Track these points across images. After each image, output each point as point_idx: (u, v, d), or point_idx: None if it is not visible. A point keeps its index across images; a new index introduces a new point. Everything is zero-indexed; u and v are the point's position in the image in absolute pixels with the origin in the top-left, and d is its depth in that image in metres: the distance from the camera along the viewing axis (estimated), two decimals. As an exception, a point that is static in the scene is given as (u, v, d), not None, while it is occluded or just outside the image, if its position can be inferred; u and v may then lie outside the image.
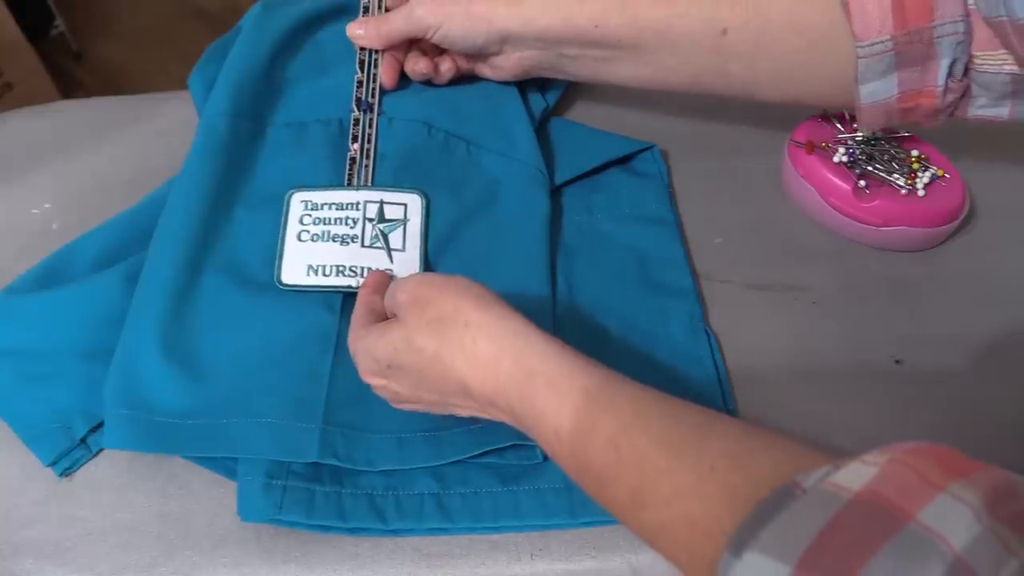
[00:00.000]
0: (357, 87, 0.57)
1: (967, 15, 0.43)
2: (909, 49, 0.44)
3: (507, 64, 0.56)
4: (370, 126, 0.56)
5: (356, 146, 0.55)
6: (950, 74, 0.45)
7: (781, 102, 0.53)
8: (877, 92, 0.46)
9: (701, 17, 0.49)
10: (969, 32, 0.43)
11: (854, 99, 0.48)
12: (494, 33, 0.53)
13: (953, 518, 0.24)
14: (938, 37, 0.43)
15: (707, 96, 0.54)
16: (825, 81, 0.49)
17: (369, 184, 0.54)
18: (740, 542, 0.27)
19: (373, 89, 0.57)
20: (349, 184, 0.53)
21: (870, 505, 0.26)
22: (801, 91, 0.51)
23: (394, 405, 0.43)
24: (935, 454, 0.27)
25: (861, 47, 0.45)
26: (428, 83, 0.59)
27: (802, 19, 0.47)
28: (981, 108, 0.47)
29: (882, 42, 0.44)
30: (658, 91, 0.55)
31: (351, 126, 0.56)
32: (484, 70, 0.59)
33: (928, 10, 0.43)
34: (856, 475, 0.27)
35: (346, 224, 0.51)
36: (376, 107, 0.57)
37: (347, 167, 0.54)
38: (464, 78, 0.60)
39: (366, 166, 0.55)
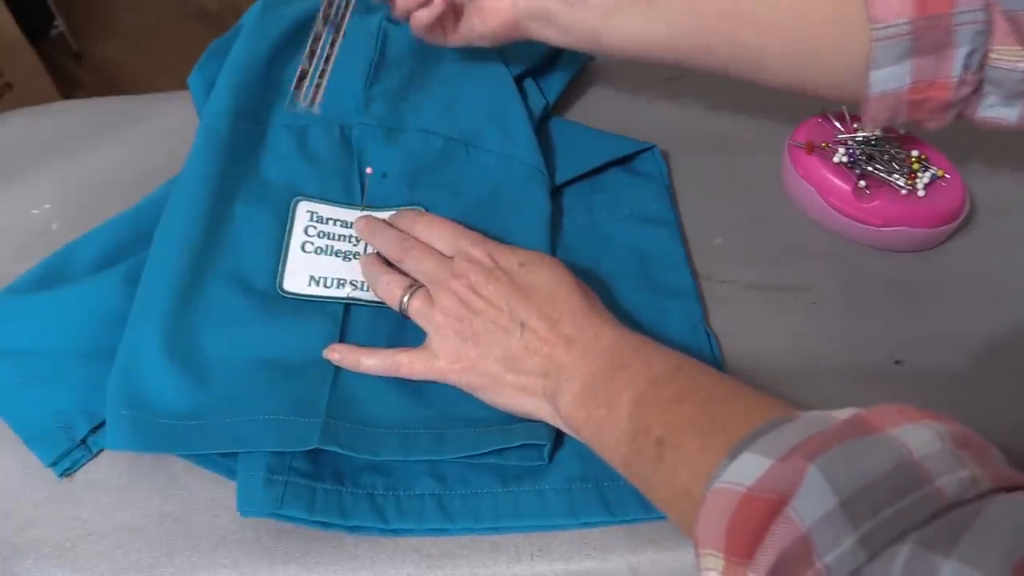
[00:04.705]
0: (327, 3, 0.52)
1: (988, 6, 0.42)
2: (927, 34, 0.43)
3: (500, 5, 0.52)
4: (332, 46, 0.52)
5: (310, 63, 0.52)
6: (966, 66, 0.44)
7: (788, 86, 0.50)
8: (889, 79, 0.45)
9: None
10: (989, 23, 0.43)
11: (863, 89, 0.46)
12: None
13: (919, 435, 0.28)
14: (957, 25, 0.42)
15: (713, 74, 0.52)
16: (836, 65, 0.47)
17: (364, 201, 0.54)
18: (738, 448, 0.32)
19: (344, 12, 0.53)
20: (296, 103, 0.51)
21: (852, 423, 0.30)
22: (810, 74, 0.49)
23: (448, 301, 0.45)
24: (914, 408, 0.31)
25: (877, 29, 0.43)
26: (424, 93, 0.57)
27: None
28: (990, 108, 0.46)
29: (899, 25, 0.43)
30: (661, 62, 0.51)
31: (309, 41, 0.52)
32: (472, 18, 0.54)
33: None
34: (846, 412, 0.31)
35: (349, 241, 0.52)
36: (343, 28, 0.53)
37: (295, 80, 0.51)
38: (462, 78, 0.60)
39: (363, 177, 0.54)
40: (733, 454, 0.32)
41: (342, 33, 0.53)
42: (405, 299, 0.47)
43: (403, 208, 0.53)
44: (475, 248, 0.46)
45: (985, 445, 0.29)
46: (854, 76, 0.46)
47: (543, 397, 0.43)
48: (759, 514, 0.29)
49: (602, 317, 0.43)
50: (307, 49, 0.52)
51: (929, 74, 0.45)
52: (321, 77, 0.52)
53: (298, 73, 0.51)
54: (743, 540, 0.29)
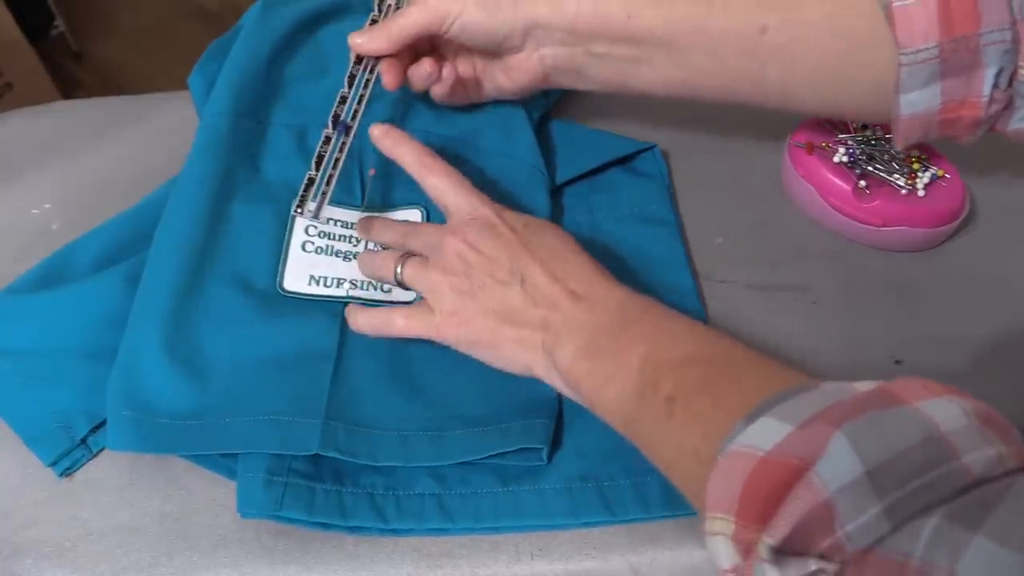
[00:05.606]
0: (339, 103, 0.51)
1: (1014, 23, 0.42)
2: (955, 57, 0.42)
3: (527, 65, 0.52)
4: (340, 151, 0.50)
5: (317, 169, 0.49)
6: (996, 84, 0.43)
7: (818, 112, 0.50)
8: (918, 102, 0.44)
9: (740, 15, 0.47)
10: (1016, 40, 0.42)
11: (892, 111, 0.46)
12: (519, 21, 0.49)
13: (945, 410, 0.28)
14: (985, 45, 0.42)
15: (737, 106, 0.52)
16: (864, 89, 0.47)
17: (364, 202, 0.54)
18: (756, 413, 0.31)
19: (356, 110, 0.52)
20: (300, 211, 0.49)
21: (875, 393, 0.30)
22: (839, 100, 0.49)
23: (446, 260, 0.45)
24: (937, 382, 0.31)
25: (905, 54, 0.43)
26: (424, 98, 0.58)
27: (841, 21, 0.45)
28: (1022, 121, 0.46)
29: (927, 49, 0.42)
30: (688, 99, 0.52)
31: (319, 144, 0.50)
32: (497, 76, 0.55)
33: (975, 17, 0.41)
34: (868, 384, 0.31)
35: (349, 242, 0.52)
36: (354, 129, 0.51)
37: (301, 188, 0.48)
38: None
39: (364, 177, 0.54)
40: (750, 418, 0.31)
41: (352, 134, 0.51)
42: (399, 269, 0.47)
43: (411, 141, 0.50)
44: (483, 205, 0.46)
45: (1007, 424, 0.29)
46: (882, 99, 0.46)
47: (540, 350, 0.42)
48: (777, 479, 0.29)
49: (609, 279, 0.44)
50: (315, 154, 0.50)
51: (959, 94, 0.44)
52: (328, 184, 0.49)
53: (305, 180, 0.49)
54: (757, 504, 0.29)
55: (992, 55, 0.42)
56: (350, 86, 0.52)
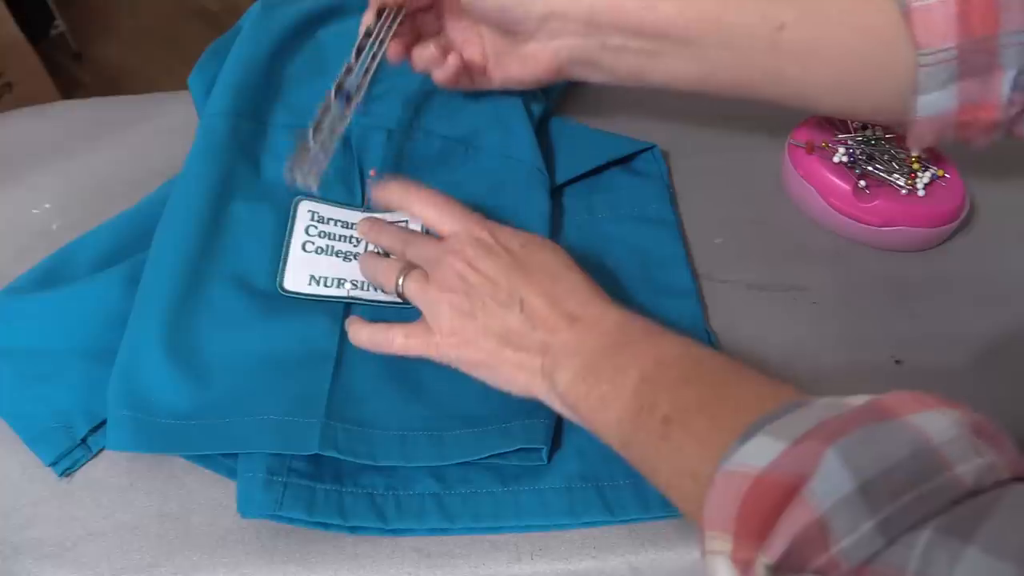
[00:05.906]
0: (345, 72, 0.50)
1: None
2: (973, 58, 0.42)
3: (541, 56, 0.52)
4: (340, 121, 0.49)
5: (316, 139, 0.47)
6: (1014, 87, 0.43)
7: (834, 112, 0.50)
8: (936, 104, 0.44)
9: (757, 10, 0.46)
10: None
11: (909, 112, 0.45)
12: (537, 6, 0.49)
13: (936, 422, 0.28)
14: (1003, 47, 0.42)
15: (754, 101, 0.51)
16: (883, 88, 0.46)
17: (366, 201, 0.54)
18: (751, 431, 0.31)
19: (360, 84, 0.50)
20: (293, 177, 0.48)
21: (867, 408, 0.30)
22: (857, 101, 0.48)
23: (444, 279, 0.45)
24: (929, 394, 0.31)
25: (923, 55, 0.42)
26: (423, 93, 0.58)
27: (860, 18, 0.45)
28: None
29: (946, 50, 0.42)
30: (704, 95, 0.51)
31: (318, 113, 0.48)
32: (511, 66, 0.54)
33: (994, 19, 0.41)
34: (861, 398, 0.31)
35: (349, 242, 0.52)
36: (354, 101, 0.50)
37: (295, 150, 0.47)
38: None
39: (364, 177, 0.54)
40: (744, 437, 0.31)
41: (354, 103, 0.49)
42: (400, 281, 0.47)
43: (392, 183, 0.50)
44: (477, 226, 0.46)
45: (998, 433, 0.29)
46: (901, 100, 0.45)
47: (540, 374, 0.42)
48: (772, 497, 0.29)
49: (605, 299, 0.44)
50: (313, 121, 0.48)
51: (977, 96, 0.44)
52: (324, 153, 0.48)
53: (299, 145, 0.47)
54: (754, 523, 0.29)
55: (1011, 57, 0.42)
56: (357, 56, 0.51)
